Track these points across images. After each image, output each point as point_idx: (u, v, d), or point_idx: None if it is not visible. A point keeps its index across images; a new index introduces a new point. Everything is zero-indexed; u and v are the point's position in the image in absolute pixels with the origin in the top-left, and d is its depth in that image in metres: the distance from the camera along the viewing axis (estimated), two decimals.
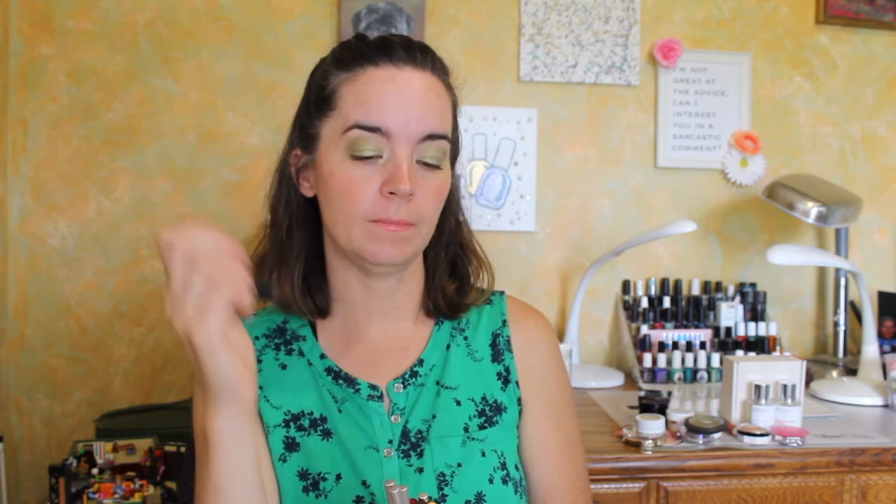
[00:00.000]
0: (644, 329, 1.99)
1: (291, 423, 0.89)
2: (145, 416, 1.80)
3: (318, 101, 0.88)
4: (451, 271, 0.98)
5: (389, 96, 0.83)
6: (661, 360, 1.93)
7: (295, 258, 0.91)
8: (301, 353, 0.93)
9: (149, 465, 1.53)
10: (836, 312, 2.12)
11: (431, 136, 0.85)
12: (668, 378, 1.93)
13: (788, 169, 2.18)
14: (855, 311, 2.14)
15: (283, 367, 0.93)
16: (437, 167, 0.87)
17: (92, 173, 1.90)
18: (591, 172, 2.12)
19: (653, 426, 1.44)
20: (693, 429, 1.46)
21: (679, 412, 1.52)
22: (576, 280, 2.09)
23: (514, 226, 2.07)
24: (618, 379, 1.94)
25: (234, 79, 1.95)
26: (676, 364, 1.94)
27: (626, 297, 2.08)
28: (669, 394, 1.59)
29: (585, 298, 2.07)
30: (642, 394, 1.59)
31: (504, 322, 0.98)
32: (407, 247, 0.86)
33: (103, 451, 1.55)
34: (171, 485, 1.51)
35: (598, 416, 1.63)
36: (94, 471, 1.52)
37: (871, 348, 1.87)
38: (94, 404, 1.91)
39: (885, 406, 1.74)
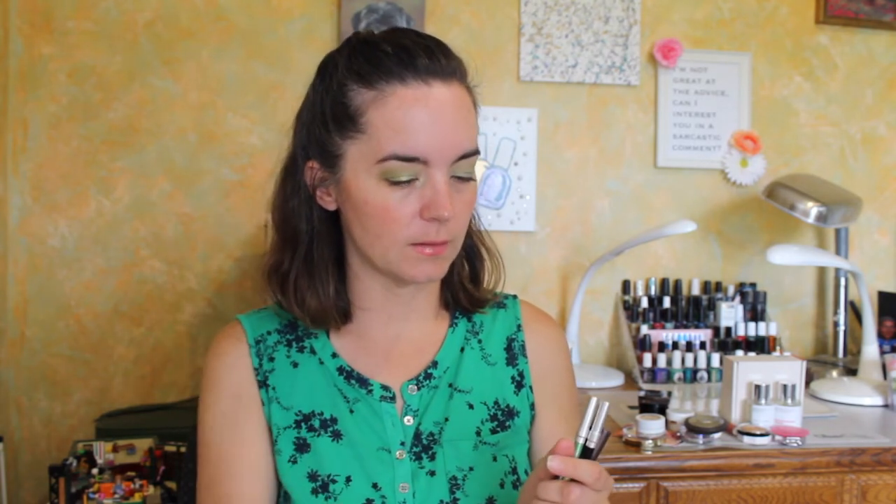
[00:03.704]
0: (644, 329, 1.99)
1: (302, 424, 0.88)
2: (145, 416, 1.80)
3: (339, 118, 0.84)
4: (467, 265, 0.98)
5: (425, 122, 0.80)
6: (661, 360, 1.93)
7: (325, 271, 0.90)
8: (312, 351, 0.92)
9: (149, 465, 1.53)
10: (836, 312, 2.12)
11: (466, 155, 0.84)
12: (668, 378, 1.93)
13: (788, 169, 2.18)
14: (855, 311, 2.14)
15: (295, 364, 0.91)
16: (469, 179, 0.86)
17: (92, 173, 1.90)
18: (591, 172, 2.12)
19: (653, 426, 1.44)
20: (693, 429, 1.46)
21: (679, 412, 1.52)
22: (576, 280, 2.09)
23: (514, 226, 2.07)
24: (618, 379, 1.94)
25: (234, 79, 1.95)
26: (676, 364, 1.94)
27: (626, 297, 2.08)
28: (669, 394, 1.59)
29: (585, 298, 2.06)
30: (642, 394, 1.59)
31: (519, 327, 0.98)
32: (443, 263, 0.86)
33: (103, 451, 1.55)
34: (171, 485, 1.51)
35: None
36: (94, 471, 1.52)
37: (871, 348, 1.87)
38: (94, 404, 1.91)
39: (885, 406, 1.74)
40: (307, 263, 0.90)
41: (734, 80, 2.15)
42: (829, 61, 2.20)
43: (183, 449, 1.53)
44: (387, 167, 0.81)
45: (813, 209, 1.88)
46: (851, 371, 1.95)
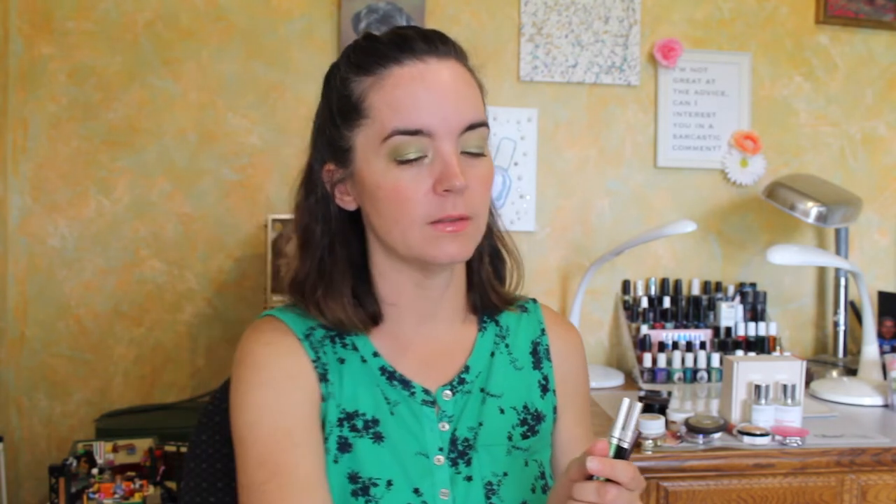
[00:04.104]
0: (644, 329, 1.99)
1: (345, 423, 0.86)
2: (145, 416, 1.80)
3: (344, 111, 0.85)
4: (490, 266, 0.97)
5: (422, 95, 0.81)
6: (661, 360, 1.93)
7: (341, 275, 0.88)
8: (355, 348, 0.90)
9: (149, 465, 1.53)
10: (836, 312, 2.12)
11: (471, 126, 0.83)
12: (668, 378, 1.93)
13: (788, 169, 2.18)
14: (855, 311, 2.14)
15: (341, 361, 0.89)
16: (481, 154, 0.85)
17: (92, 173, 1.90)
18: (591, 172, 2.12)
19: (653, 426, 1.44)
20: (693, 429, 1.46)
21: (679, 412, 1.52)
22: (576, 280, 2.09)
23: (514, 226, 2.06)
24: (618, 379, 1.94)
25: (234, 79, 1.95)
26: (676, 364, 1.94)
27: (626, 297, 2.08)
28: (669, 394, 1.59)
29: (585, 298, 2.06)
30: (642, 394, 1.59)
31: (543, 331, 0.98)
32: (468, 242, 0.85)
33: (103, 451, 1.55)
34: (171, 485, 1.51)
35: (598, 416, 1.63)
36: (94, 471, 1.52)
37: (871, 348, 1.87)
38: (94, 404, 1.91)
39: (885, 406, 1.74)
40: (322, 268, 0.89)
41: (734, 80, 2.15)
42: (829, 61, 2.20)
43: (183, 449, 1.53)
44: (392, 144, 0.81)
45: (813, 209, 1.88)
46: (851, 371, 1.94)
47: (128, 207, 1.92)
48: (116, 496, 1.44)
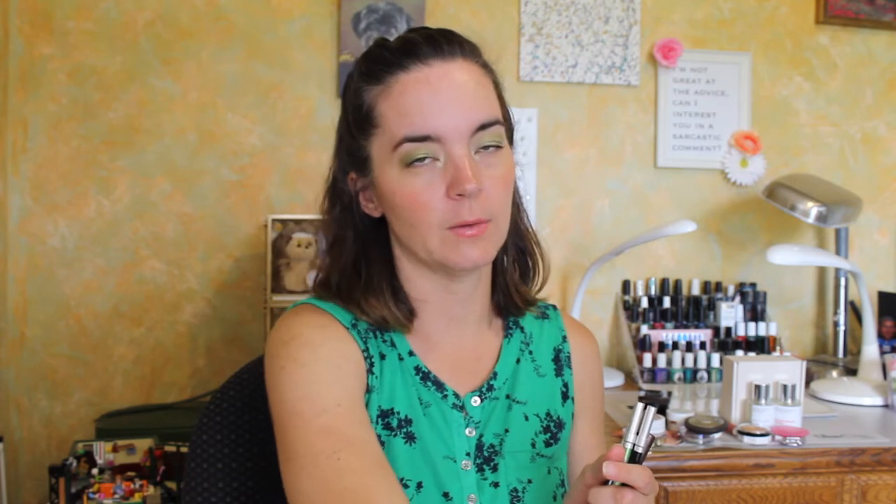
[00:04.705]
0: (644, 329, 1.99)
1: (380, 420, 0.85)
2: (145, 416, 1.80)
3: (358, 121, 0.85)
4: (518, 266, 0.96)
5: (428, 100, 0.80)
6: (661, 360, 1.93)
7: (378, 275, 0.88)
8: (393, 345, 0.89)
9: (149, 465, 1.53)
10: (836, 312, 2.12)
11: (483, 126, 0.83)
12: (668, 378, 1.93)
13: (788, 169, 2.18)
14: (855, 311, 2.14)
15: (382, 356, 0.88)
16: (497, 148, 0.85)
17: (92, 173, 1.90)
18: (591, 172, 2.12)
19: (653, 426, 1.43)
20: (693, 429, 1.46)
21: (679, 412, 1.52)
22: (576, 280, 2.09)
23: None
24: (618, 379, 1.94)
25: (234, 79, 1.95)
26: (676, 364, 1.94)
27: (626, 297, 2.08)
28: (669, 394, 1.59)
29: (585, 298, 2.06)
30: (642, 394, 1.59)
31: (564, 338, 0.98)
32: (488, 246, 0.84)
33: (103, 451, 1.55)
34: (172, 485, 1.51)
35: None
36: (94, 471, 1.52)
37: (871, 348, 1.87)
38: (94, 404, 1.91)
39: (885, 406, 1.74)
40: (358, 269, 0.89)
41: (734, 80, 2.15)
42: (829, 61, 2.20)
43: (183, 449, 1.53)
44: (403, 152, 0.81)
45: (813, 209, 1.88)
46: (851, 371, 1.95)
47: (128, 207, 1.92)
48: (116, 496, 1.44)
